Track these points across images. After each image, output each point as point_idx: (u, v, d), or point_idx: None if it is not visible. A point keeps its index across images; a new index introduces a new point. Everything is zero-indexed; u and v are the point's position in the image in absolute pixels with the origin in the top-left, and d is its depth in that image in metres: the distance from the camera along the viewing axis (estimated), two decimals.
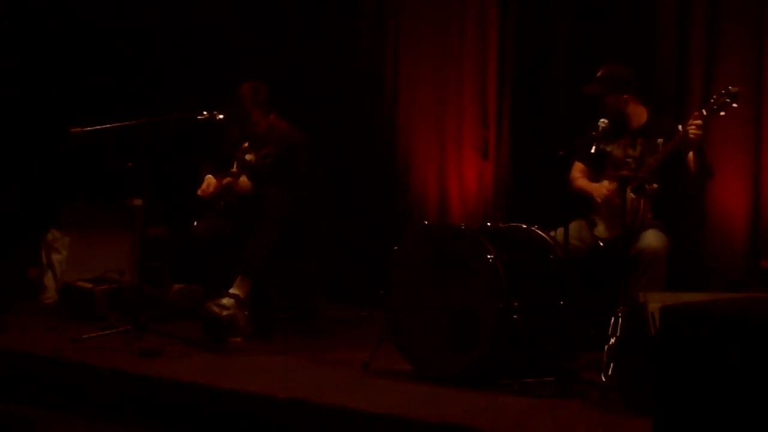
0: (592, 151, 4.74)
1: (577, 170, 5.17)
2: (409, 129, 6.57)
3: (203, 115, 5.36)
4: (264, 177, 5.30)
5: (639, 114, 5.00)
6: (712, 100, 4.61)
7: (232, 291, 5.13)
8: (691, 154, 4.74)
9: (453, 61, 6.37)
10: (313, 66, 6.73)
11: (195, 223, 5.46)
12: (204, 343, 5.14)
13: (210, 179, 5.45)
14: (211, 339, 5.13)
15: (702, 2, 5.47)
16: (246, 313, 5.19)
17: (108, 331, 5.26)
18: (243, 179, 5.32)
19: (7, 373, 4.90)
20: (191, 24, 7.12)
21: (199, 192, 5.44)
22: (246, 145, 5.50)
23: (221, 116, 5.34)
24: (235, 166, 5.41)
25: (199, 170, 5.55)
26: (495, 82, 6.19)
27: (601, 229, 4.94)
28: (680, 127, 4.67)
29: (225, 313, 5.06)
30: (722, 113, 4.58)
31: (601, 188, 4.95)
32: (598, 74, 5.00)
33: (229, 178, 5.33)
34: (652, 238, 4.71)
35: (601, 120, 4.69)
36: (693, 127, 4.58)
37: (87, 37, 7.30)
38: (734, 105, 4.56)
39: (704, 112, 4.60)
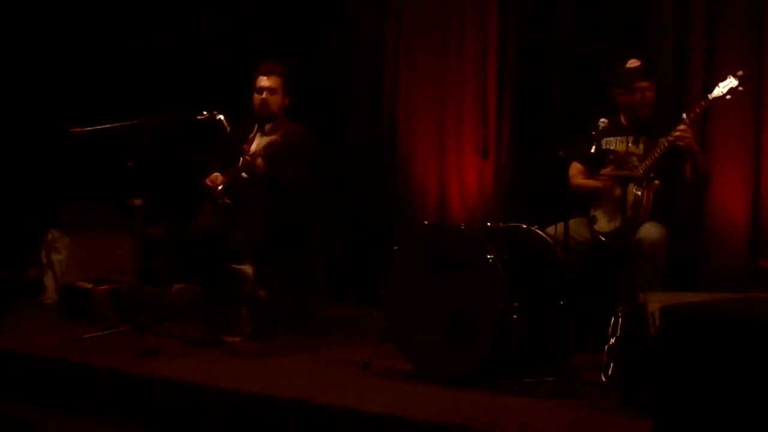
0: (592, 150, 4.75)
1: (575, 170, 5.16)
2: (409, 129, 6.57)
3: (203, 115, 5.37)
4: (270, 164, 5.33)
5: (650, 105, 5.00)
6: (710, 96, 4.64)
7: (243, 271, 5.15)
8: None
9: (453, 61, 6.36)
10: (312, 66, 6.73)
11: (197, 218, 5.46)
12: (204, 343, 5.15)
13: (217, 175, 5.46)
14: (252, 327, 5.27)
15: (701, 3, 5.47)
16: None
17: (108, 331, 5.26)
18: (259, 160, 5.30)
19: (7, 373, 4.90)
20: (192, 24, 7.12)
21: (206, 180, 5.44)
22: (252, 135, 5.50)
23: (221, 116, 5.34)
24: (241, 161, 5.41)
25: (209, 168, 5.56)
26: (495, 82, 6.19)
27: (602, 224, 4.93)
28: (684, 116, 4.67)
29: (237, 338, 5.19)
30: (728, 96, 4.60)
31: (604, 179, 4.95)
32: (637, 65, 4.94)
33: (247, 157, 5.30)
34: (650, 230, 4.71)
35: (601, 120, 4.69)
36: (678, 133, 4.61)
37: (87, 36, 7.29)
38: (740, 89, 4.57)
39: (691, 116, 4.64)
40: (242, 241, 5.17)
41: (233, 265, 5.11)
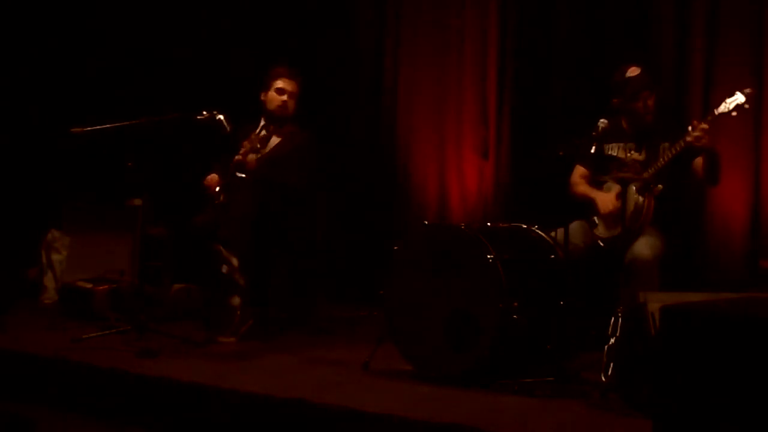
0: (592, 151, 4.74)
1: (578, 175, 5.16)
2: (409, 129, 6.57)
3: (203, 115, 5.37)
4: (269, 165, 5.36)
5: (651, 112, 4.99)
6: (716, 111, 4.61)
7: (230, 262, 5.21)
8: (698, 159, 4.75)
9: (453, 61, 6.37)
10: (313, 66, 6.73)
11: (198, 216, 5.47)
12: (204, 343, 5.15)
13: (214, 176, 5.48)
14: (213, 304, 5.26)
15: (702, 4, 5.47)
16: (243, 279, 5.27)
17: (108, 331, 5.26)
18: (251, 156, 5.34)
19: (7, 373, 4.90)
20: (193, 25, 7.12)
21: (204, 181, 5.46)
22: (253, 135, 5.51)
23: (221, 116, 5.34)
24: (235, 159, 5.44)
25: (210, 168, 5.58)
26: (495, 81, 6.19)
27: (601, 229, 4.94)
28: (690, 128, 4.66)
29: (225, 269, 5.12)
30: (734, 113, 4.59)
31: (607, 202, 4.92)
32: (637, 73, 4.91)
33: (239, 156, 5.34)
34: (643, 247, 4.68)
35: (601, 120, 4.68)
36: (698, 133, 4.58)
37: (87, 36, 7.30)
38: (746, 106, 4.56)
39: (714, 112, 4.60)
40: (231, 236, 5.20)
41: (219, 247, 5.14)
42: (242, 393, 4.22)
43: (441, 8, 6.43)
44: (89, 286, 6.04)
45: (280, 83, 5.58)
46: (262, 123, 5.60)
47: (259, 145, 5.32)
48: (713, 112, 4.63)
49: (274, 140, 5.46)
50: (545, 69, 6.01)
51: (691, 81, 5.49)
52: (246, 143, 5.39)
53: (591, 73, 5.67)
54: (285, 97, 5.57)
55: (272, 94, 5.58)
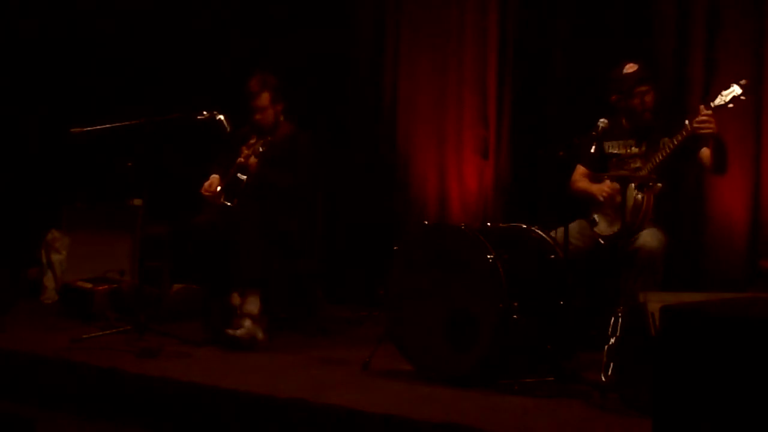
0: (592, 151, 4.74)
1: (579, 174, 5.16)
2: (409, 129, 6.57)
3: (203, 115, 5.37)
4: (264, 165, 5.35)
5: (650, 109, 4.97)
6: (712, 104, 4.60)
7: (245, 310, 5.12)
8: (704, 149, 4.72)
9: (453, 61, 6.37)
10: (313, 67, 6.73)
11: (198, 216, 5.46)
12: (204, 343, 5.15)
13: (214, 178, 5.47)
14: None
15: (703, 2, 5.47)
16: (264, 323, 5.19)
17: (108, 331, 5.26)
18: (252, 159, 5.33)
19: (7, 373, 4.90)
20: (193, 24, 7.12)
21: (202, 190, 5.45)
22: (252, 140, 5.51)
23: (221, 116, 5.35)
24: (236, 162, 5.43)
25: (209, 168, 5.57)
26: (495, 82, 6.19)
27: (602, 227, 4.93)
28: (687, 122, 4.65)
29: (240, 332, 5.06)
30: (731, 105, 4.56)
31: (603, 187, 4.94)
32: (634, 70, 4.91)
33: (241, 159, 5.33)
34: (649, 238, 4.69)
35: (601, 120, 4.69)
36: (703, 120, 4.55)
37: (87, 36, 7.29)
38: (742, 98, 4.54)
39: (711, 105, 4.58)
40: (243, 269, 5.15)
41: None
42: (242, 393, 4.22)
43: (441, 8, 6.42)
44: (89, 286, 6.04)
45: (250, 102, 5.50)
46: (256, 135, 5.59)
47: (260, 149, 5.31)
48: (709, 105, 4.60)
49: (272, 143, 5.43)
50: (545, 69, 6.01)
51: (692, 80, 5.49)
52: (244, 148, 5.39)
53: (591, 74, 5.67)
54: (257, 115, 5.49)
55: (250, 112, 5.54)
